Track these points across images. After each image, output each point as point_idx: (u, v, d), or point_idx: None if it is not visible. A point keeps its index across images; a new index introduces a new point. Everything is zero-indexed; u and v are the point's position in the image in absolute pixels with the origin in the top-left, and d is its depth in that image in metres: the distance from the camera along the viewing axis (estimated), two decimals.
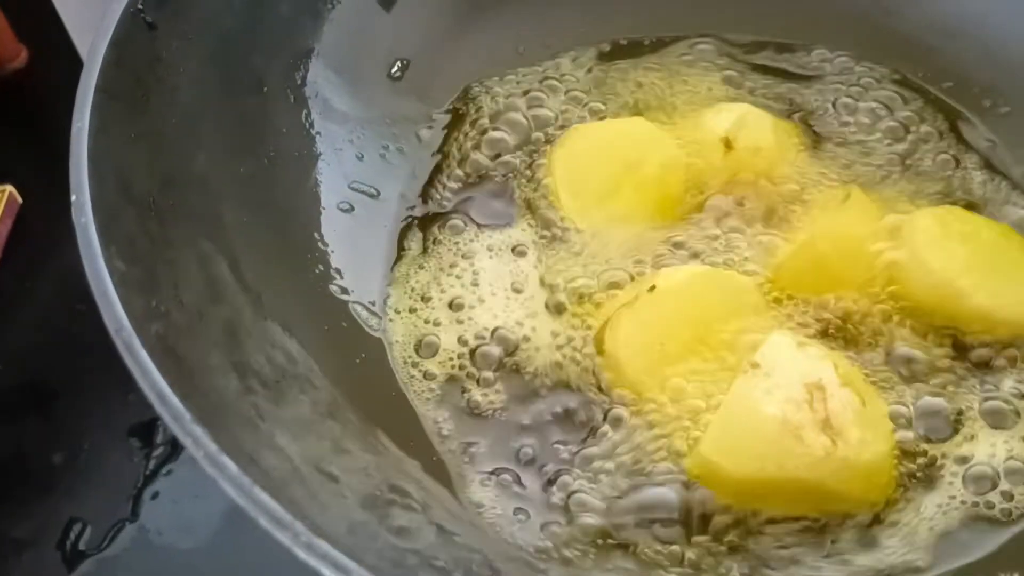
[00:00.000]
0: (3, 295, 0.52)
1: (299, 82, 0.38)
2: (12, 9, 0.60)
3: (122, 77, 0.30)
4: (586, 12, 0.39)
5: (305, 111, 0.38)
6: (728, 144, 0.39)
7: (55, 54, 0.61)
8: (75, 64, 0.60)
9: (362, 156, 0.38)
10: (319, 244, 0.36)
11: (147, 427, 0.46)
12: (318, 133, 0.38)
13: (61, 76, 0.60)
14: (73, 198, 0.26)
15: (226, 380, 0.27)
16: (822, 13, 0.44)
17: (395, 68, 0.41)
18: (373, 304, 0.36)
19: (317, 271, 0.35)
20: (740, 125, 0.39)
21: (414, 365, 0.35)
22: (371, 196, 0.38)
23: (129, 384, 0.46)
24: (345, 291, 0.36)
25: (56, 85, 0.61)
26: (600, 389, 0.34)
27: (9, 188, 0.53)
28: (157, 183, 0.30)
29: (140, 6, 0.31)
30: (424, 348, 0.36)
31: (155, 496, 0.44)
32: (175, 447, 0.46)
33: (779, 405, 0.31)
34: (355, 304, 0.35)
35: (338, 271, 0.36)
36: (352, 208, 0.38)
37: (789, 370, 0.32)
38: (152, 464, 0.45)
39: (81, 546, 0.43)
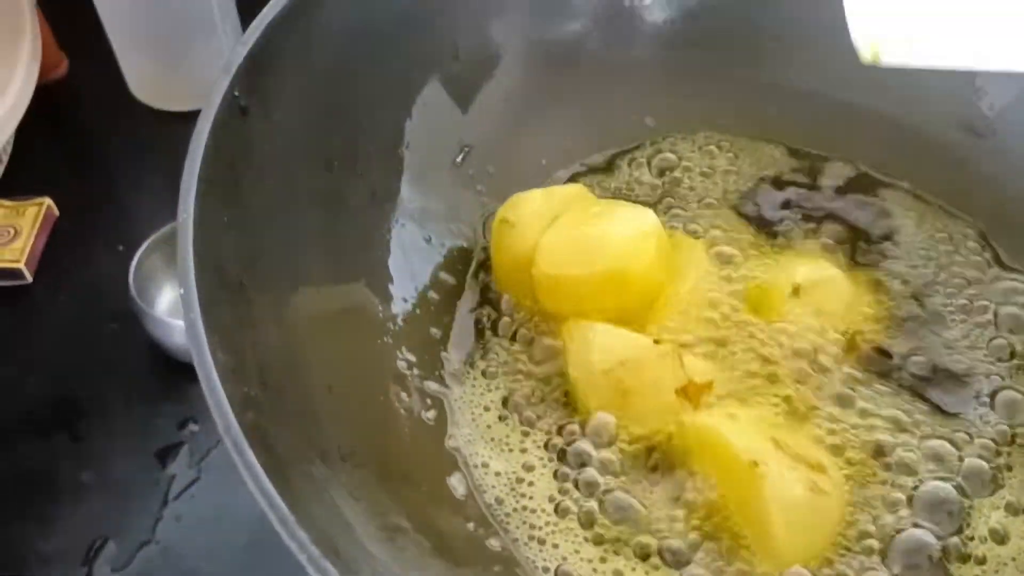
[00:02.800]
0: (37, 308, 0.53)
1: (366, 160, 0.40)
2: (54, 17, 0.61)
3: (218, 163, 0.32)
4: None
5: (369, 189, 0.40)
6: (796, 291, 0.41)
7: (94, 64, 0.62)
8: (113, 75, 0.61)
9: (430, 238, 0.41)
10: (380, 315, 0.38)
11: (173, 450, 0.48)
12: (382, 210, 0.40)
13: (100, 87, 0.62)
14: (181, 292, 0.28)
15: (309, 463, 0.29)
16: None
17: (459, 156, 0.43)
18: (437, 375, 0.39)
19: (382, 341, 0.38)
20: (816, 283, 0.41)
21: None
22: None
23: (157, 407, 0.49)
24: (411, 365, 0.38)
25: (95, 96, 0.63)
26: None
27: (47, 201, 0.55)
28: (245, 264, 0.32)
29: (236, 92, 0.33)
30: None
31: (179, 519, 0.46)
32: (200, 472, 0.48)
33: (798, 481, 0.34)
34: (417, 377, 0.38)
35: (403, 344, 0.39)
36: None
37: (766, 447, 0.35)
38: (177, 487, 0.47)
39: (105, 564, 0.45)
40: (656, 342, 0.37)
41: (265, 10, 0.35)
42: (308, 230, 0.37)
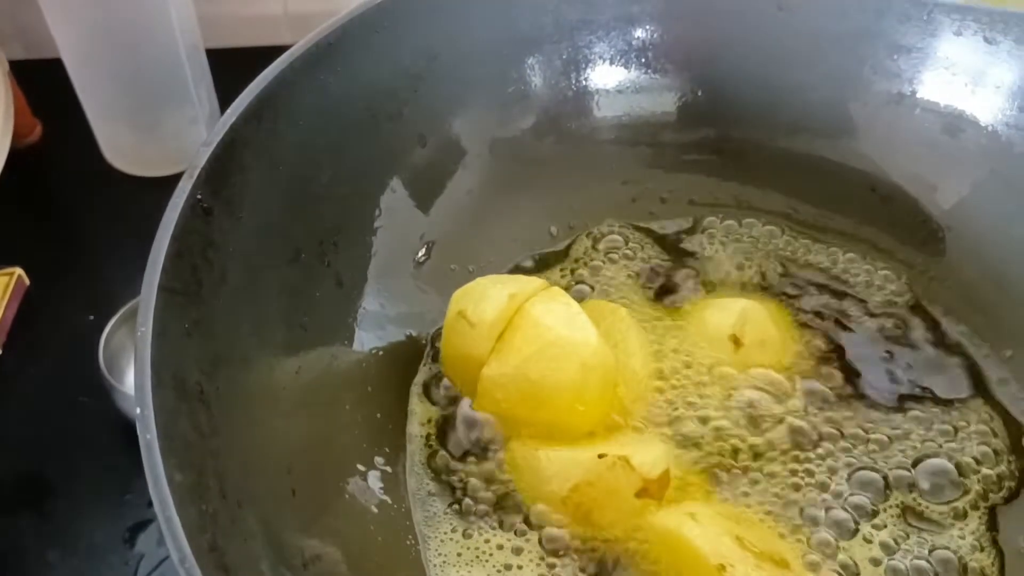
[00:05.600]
0: (5, 381, 0.53)
1: (332, 250, 0.40)
2: (28, 83, 0.61)
3: (180, 269, 0.31)
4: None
5: (335, 277, 0.40)
6: (737, 341, 0.42)
7: (67, 129, 0.62)
8: (87, 141, 0.61)
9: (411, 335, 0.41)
10: (347, 409, 0.38)
11: (142, 528, 0.48)
12: (348, 298, 0.40)
13: (73, 152, 0.62)
14: (137, 411, 0.28)
15: None
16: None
17: (421, 253, 0.44)
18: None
19: (351, 437, 0.38)
20: (743, 321, 0.42)
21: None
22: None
23: (126, 483, 0.49)
24: (387, 461, 0.38)
25: (68, 162, 0.63)
26: None
27: (18, 271, 0.54)
28: (206, 369, 0.32)
29: (199, 196, 0.33)
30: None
31: None
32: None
33: None
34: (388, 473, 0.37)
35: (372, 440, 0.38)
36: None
37: (731, 548, 0.35)
38: (146, 566, 0.47)
39: None
40: (600, 456, 0.37)
41: (229, 110, 0.35)
42: (272, 325, 0.36)
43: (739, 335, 0.42)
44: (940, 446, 0.41)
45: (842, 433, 0.41)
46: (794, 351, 0.43)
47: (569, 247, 0.48)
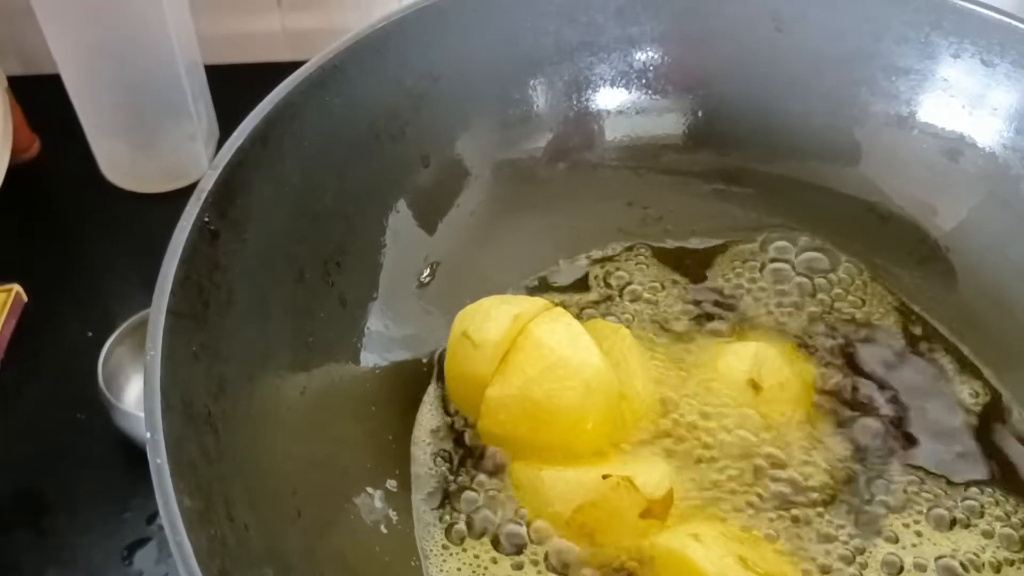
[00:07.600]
0: (3, 397, 0.52)
1: (335, 270, 0.40)
2: (26, 99, 0.61)
3: (188, 292, 0.32)
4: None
5: (339, 297, 0.40)
6: (756, 386, 0.42)
7: (65, 145, 0.62)
8: (85, 156, 0.61)
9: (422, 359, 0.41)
10: (350, 428, 0.38)
11: (141, 545, 0.48)
12: (352, 318, 0.40)
13: (71, 168, 0.62)
14: (148, 436, 0.28)
15: None
16: None
17: (425, 273, 0.44)
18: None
19: (356, 458, 0.38)
20: (759, 365, 0.42)
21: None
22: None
23: (125, 501, 0.49)
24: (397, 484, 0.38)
25: (66, 178, 0.63)
26: None
27: (16, 288, 0.54)
28: (213, 392, 0.32)
29: (207, 218, 0.33)
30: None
31: None
32: (169, 568, 0.47)
33: None
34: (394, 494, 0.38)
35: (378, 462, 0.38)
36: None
37: (735, 568, 0.35)
38: None
39: None
40: (604, 476, 0.37)
41: (236, 133, 0.35)
42: (278, 346, 0.36)
43: (757, 379, 0.42)
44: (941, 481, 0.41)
45: (848, 464, 0.41)
46: (810, 387, 0.43)
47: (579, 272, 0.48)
